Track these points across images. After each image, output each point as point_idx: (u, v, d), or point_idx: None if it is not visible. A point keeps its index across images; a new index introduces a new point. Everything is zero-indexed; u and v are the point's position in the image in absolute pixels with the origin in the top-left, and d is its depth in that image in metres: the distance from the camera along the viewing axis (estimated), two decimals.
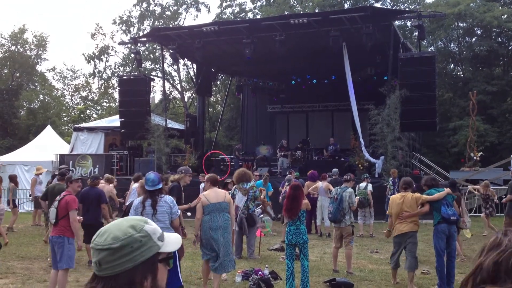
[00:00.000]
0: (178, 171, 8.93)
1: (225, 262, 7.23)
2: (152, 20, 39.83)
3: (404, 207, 7.87)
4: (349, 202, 8.96)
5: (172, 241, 1.67)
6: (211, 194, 7.38)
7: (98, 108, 47.46)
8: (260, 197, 11.09)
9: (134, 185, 10.03)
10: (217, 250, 7.19)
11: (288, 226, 7.88)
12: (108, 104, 46.78)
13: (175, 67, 36.56)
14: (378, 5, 33.10)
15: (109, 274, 1.51)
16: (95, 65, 40.85)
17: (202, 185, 14.28)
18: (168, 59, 31.71)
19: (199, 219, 7.34)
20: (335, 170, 14.87)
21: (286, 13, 29.43)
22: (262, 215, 11.04)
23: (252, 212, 10.51)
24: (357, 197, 12.26)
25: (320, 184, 13.57)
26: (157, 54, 37.31)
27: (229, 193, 10.42)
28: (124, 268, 1.51)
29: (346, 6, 33.61)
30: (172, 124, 25.50)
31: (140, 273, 1.53)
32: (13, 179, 15.09)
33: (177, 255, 6.00)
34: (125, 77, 23.67)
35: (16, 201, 15.46)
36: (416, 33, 20.91)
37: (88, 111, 46.18)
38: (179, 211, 6.49)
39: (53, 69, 48.87)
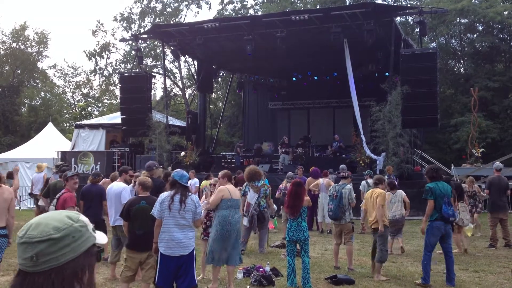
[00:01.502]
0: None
1: (233, 254, 7.30)
2: (153, 17, 39.82)
3: (372, 203, 8.30)
4: (349, 198, 8.96)
5: (100, 235, 1.64)
6: (232, 190, 7.52)
7: (99, 105, 47.50)
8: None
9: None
10: (228, 243, 7.25)
11: (289, 223, 7.89)
12: (109, 101, 46.85)
13: (176, 64, 36.39)
14: (379, 1, 32.96)
15: (49, 267, 1.44)
16: (96, 62, 40.94)
17: (191, 182, 14.33)
18: (169, 56, 31.65)
19: (211, 204, 7.44)
20: (342, 166, 14.76)
21: (287, 10, 29.37)
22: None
23: (263, 209, 10.85)
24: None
25: (321, 181, 13.57)
26: (158, 51, 37.30)
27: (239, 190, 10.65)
28: (67, 259, 1.46)
29: (347, 2, 33.56)
30: (173, 121, 25.49)
31: (81, 264, 1.50)
32: (11, 175, 14.93)
33: (194, 254, 6.01)
34: (126, 74, 23.68)
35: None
36: (418, 30, 20.86)
37: (89, 108, 46.22)
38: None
39: (54, 66, 48.99)
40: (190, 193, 6.08)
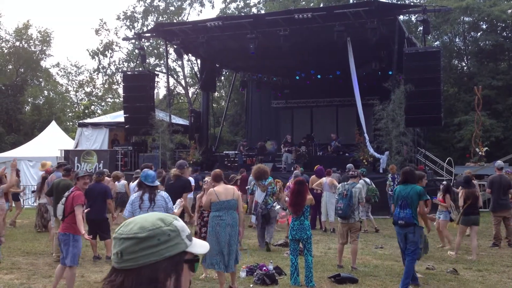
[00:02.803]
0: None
1: (230, 262, 7.15)
2: (156, 15, 39.81)
3: None
4: (359, 197, 8.94)
5: (200, 244, 1.55)
6: (221, 191, 7.29)
7: (103, 103, 47.57)
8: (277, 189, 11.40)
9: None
10: (222, 247, 7.09)
11: (292, 222, 7.88)
12: (112, 99, 46.88)
13: (179, 62, 36.58)
14: None
15: (130, 266, 1.41)
16: (99, 61, 40.95)
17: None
18: (172, 55, 31.65)
19: (202, 208, 7.44)
20: (350, 165, 14.74)
21: (291, 8, 29.34)
22: (276, 204, 11.14)
23: (270, 208, 10.97)
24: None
25: (324, 179, 13.54)
26: (161, 49, 37.30)
27: (247, 189, 10.70)
28: (148, 262, 1.41)
29: (350, 0, 33.48)
30: (176, 120, 25.50)
31: (164, 270, 1.42)
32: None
33: None
34: (129, 73, 23.70)
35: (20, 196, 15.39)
36: (421, 28, 20.81)
37: (92, 107, 46.24)
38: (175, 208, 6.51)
39: (58, 65, 49.07)
40: (158, 191, 6.39)
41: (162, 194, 6.39)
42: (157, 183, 6.44)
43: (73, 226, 7.00)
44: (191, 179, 15.55)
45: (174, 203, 6.52)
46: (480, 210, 11.06)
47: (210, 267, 7.32)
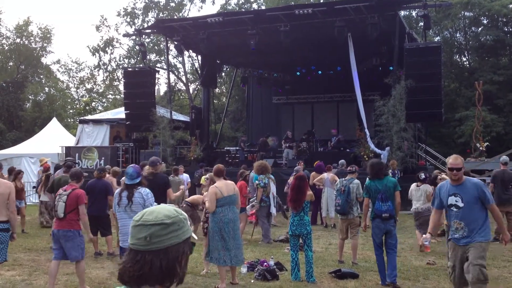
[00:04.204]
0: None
1: (238, 254, 7.26)
2: (157, 11, 39.76)
3: None
4: (357, 193, 8.96)
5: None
6: (223, 187, 7.32)
7: (103, 100, 47.55)
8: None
9: None
10: (227, 242, 7.14)
11: (292, 217, 7.90)
12: (113, 96, 46.85)
13: (180, 59, 36.60)
14: None
15: (157, 248, 1.71)
16: (100, 57, 40.96)
17: (181, 176, 14.39)
18: (173, 51, 31.62)
19: (209, 209, 7.31)
20: (342, 161, 14.89)
21: (291, 4, 29.29)
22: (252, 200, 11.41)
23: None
24: None
25: (325, 175, 13.56)
26: (161, 46, 37.28)
27: (257, 183, 10.90)
28: (172, 243, 1.73)
29: None
30: (177, 116, 25.52)
31: (183, 250, 1.76)
32: (11, 171, 14.71)
33: None
34: (130, 69, 23.70)
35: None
36: (422, 23, 20.76)
37: (93, 104, 46.26)
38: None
39: (58, 61, 49.03)
40: (138, 188, 6.43)
41: (141, 191, 6.43)
42: (137, 180, 6.46)
43: (77, 222, 7.05)
44: (186, 176, 15.63)
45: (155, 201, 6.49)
46: None
47: (214, 262, 7.34)
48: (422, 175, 10.80)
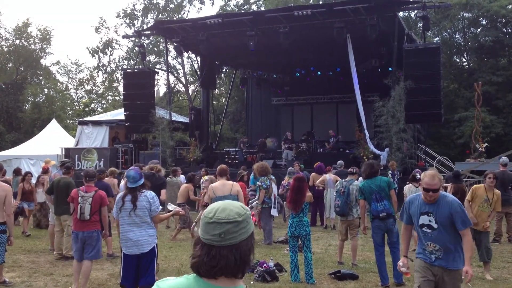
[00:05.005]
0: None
1: None
2: (156, 13, 39.78)
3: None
4: (356, 195, 8.95)
5: None
6: (218, 187, 7.32)
7: (103, 101, 47.53)
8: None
9: None
10: None
11: (291, 218, 7.90)
12: (112, 97, 46.85)
13: (179, 60, 36.54)
14: None
15: (231, 243, 1.84)
16: (99, 59, 40.94)
17: (181, 178, 14.38)
18: (172, 52, 31.62)
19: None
20: (340, 162, 14.92)
21: (290, 5, 29.30)
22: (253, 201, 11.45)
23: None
24: None
25: (327, 176, 13.55)
26: (161, 47, 37.29)
27: (260, 184, 10.89)
28: (243, 238, 1.87)
29: None
30: (176, 117, 25.52)
31: (251, 243, 1.90)
32: (18, 172, 14.74)
33: (155, 251, 6.00)
34: (129, 71, 23.69)
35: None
36: (421, 24, 20.78)
37: (92, 105, 46.24)
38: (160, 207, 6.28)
39: (58, 63, 49.01)
40: (143, 191, 6.05)
41: (147, 194, 6.05)
42: (140, 183, 6.06)
43: (99, 223, 7.28)
44: (183, 177, 15.61)
45: None
46: None
47: None
48: (418, 175, 10.82)
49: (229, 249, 1.83)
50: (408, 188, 10.06)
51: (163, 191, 8.17)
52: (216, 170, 7.69)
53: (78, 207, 7.18)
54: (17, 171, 14.66)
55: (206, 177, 11.63)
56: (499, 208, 8.45)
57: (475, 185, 8.86)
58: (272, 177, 11.73)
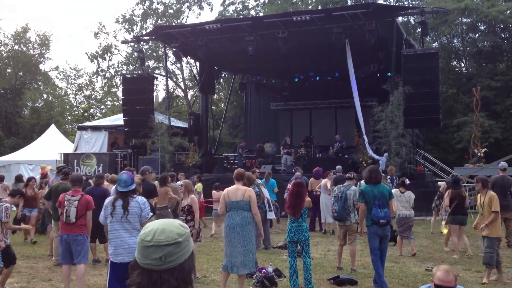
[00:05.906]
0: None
1: (246, 261, 7.07)
2: (155, 18, 39.86)
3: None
4: (354, 200, 8.95)
5: None
6: (232, 191, 7.29)
7: (102, 107, 47.57)
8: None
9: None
10: (233, 248, 7.07)
11: (290, 223, 7.88)
12: (111, 102, 46.91)
13: (178, 65, 36.59)
14: (381, 1, 33.02)
15: (173, 265, 1.76)
16: (98, 64, 40.98)
17: (179, 183, 14.34)
18: (171, 57, 31.61)
19: (223, 214, 7.39)
20: (338, 167, 14.92)
21: (289, 11, 29.38)
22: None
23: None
24: None
25: (322, 181, 13.64)
26: (160, 52, 37.34)
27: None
28: (185, 258, 1.79)
29: (348, 2, 33.55)
30: (175, 122, 25.53)
31: (192, 263, 1.84)
32: (19, 179, 14.60)
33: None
34: (128, 76, 23.72)
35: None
36: (419, 29, 20.83)
37: (91, 110, 46.28)
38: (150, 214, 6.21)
39: (57, 68, 49.04)
40: (134, 196, 5.93)
41: (138, 199, 5.92)
42: (131, 187, 5.92)
43: (85, 227, 7.36)
44: (179, 183, 15.59)
45: None
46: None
47: (225, 270, 7.22)
48: (407, 181, 10.99)
49: (171, 273, 1.75)
50: (393, 192, 10.10)
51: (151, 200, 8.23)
52: (234, 174, 7.63)
53: (64, 210, 7.26)
54: (18, 178, 14.53)
55: (180, 182, 11.66)
56: (495, 208, 8.46)
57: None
58: (258, 181, 11.55)
